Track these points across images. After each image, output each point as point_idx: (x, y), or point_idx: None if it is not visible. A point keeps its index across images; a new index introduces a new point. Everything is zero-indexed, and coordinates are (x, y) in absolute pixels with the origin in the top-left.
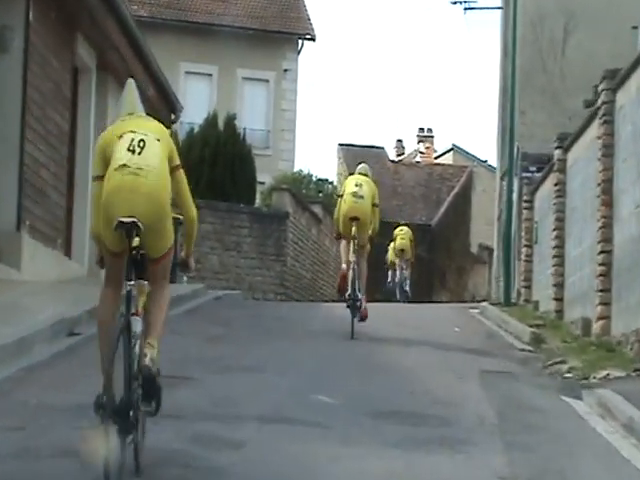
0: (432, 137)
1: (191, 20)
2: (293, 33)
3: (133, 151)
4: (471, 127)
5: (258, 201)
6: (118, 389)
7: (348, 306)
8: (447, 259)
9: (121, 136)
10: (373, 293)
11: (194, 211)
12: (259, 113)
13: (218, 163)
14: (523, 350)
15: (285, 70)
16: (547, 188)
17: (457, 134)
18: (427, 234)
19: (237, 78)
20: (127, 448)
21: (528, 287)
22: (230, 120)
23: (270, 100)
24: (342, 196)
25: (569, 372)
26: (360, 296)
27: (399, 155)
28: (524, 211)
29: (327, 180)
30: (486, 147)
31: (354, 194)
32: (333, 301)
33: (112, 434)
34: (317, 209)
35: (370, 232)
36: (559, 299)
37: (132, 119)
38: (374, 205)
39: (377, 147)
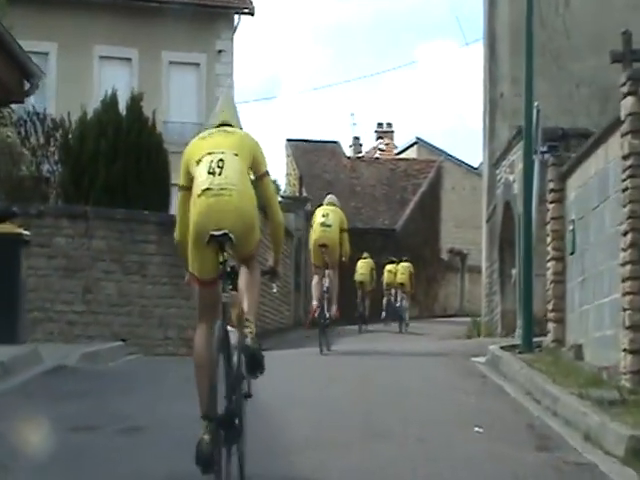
0: (392, 132)
1: None
2: (228, 7)
3: (213, 173)
4: (434, 119)
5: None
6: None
7: (321, 324)
8: (415, 268)
9: (200, 160)
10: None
11: (281, 216)
12: (189, 103)
13: (118, 158)
14: None
15: (219, 51)
16: (596, 167)
17: (419, 127)
18: (391, 240)
19: (162, 62)
20: (232, 458)
21: (560, 322)
22: (135, 101)
23: (202, 87)
24: (312, 226)
25: None
26: (329, 315)
27: (357, 154)
28: (550, 206)
29: None
30: (453, 140)
31: (322, 224)
32: (280, 331)
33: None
34: None
35: (343, 256)
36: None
37: (212, 136)
38: (342, 231)
39: (331, 142)
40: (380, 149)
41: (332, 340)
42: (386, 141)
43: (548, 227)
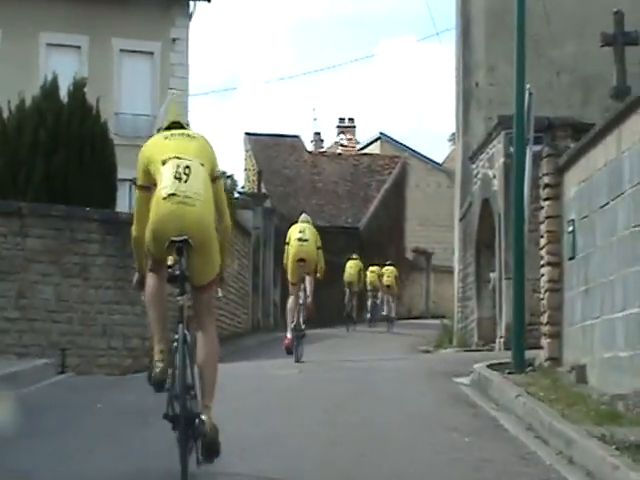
0: (354, 128)
1: None
2: None
3: (180, 179)
4: (396, 117)
5: (128, 205)
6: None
7: (294, 336)
8: (379, 268)
9: (165, 162)
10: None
11: (229, 219)
12: (142, 94)
13: (59, 149)
14: None
15: (174, 39)
16: (605, 157)
17: (381, 125)
18: (354, 239)
19: (113, 50)
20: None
21: (556, 337)
22: (78, 87)
23: (155, 77)
24: (288, 243)
25: None
26: (303, 327)
27: (318, 150)
28: (544, 204)
29: (225, 173)
30: (414, 138)
31: (299, 239)
32: (236, 337)
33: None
34: None
35: (318, 273)
36: None
37: (175, 139)
38: (317, 248)
39: (292, 136)
40: (342, 145)
41: (306, 350)
42: (348, 136)
43: (542, 227)
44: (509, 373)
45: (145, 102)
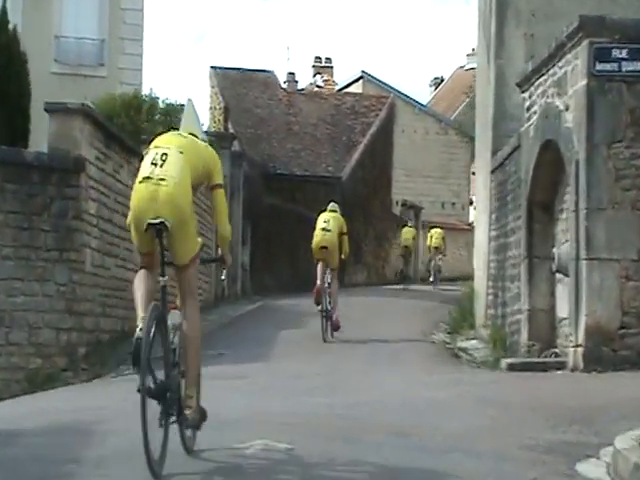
0: (331, 67)
1: None
2: None
3: (155, 164)
4: (378, 53)
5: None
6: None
7: (323, 316)
8: (363, 224)
9: (147, 153)
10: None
11: (227, 230)
12: (88, 15)
13: None
14: None
15: None
16: None
17: (359, 67)
18: (336, 190)
19: None
20: (169, 427)
21: None
22: None
23: None
24: (315, 229)
25: None
26: (331, 308)
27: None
28: None
29: (182, 105)
30: (402, 75)
31: (323, 228)
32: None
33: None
34: None
35: (343, 255)
36: None
37: (165, 136)
38: (342, 234)
39: (264, 71)
40: (318, 86)
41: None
42: (325, 77)
43: None
44: None
45: (92, 24)
